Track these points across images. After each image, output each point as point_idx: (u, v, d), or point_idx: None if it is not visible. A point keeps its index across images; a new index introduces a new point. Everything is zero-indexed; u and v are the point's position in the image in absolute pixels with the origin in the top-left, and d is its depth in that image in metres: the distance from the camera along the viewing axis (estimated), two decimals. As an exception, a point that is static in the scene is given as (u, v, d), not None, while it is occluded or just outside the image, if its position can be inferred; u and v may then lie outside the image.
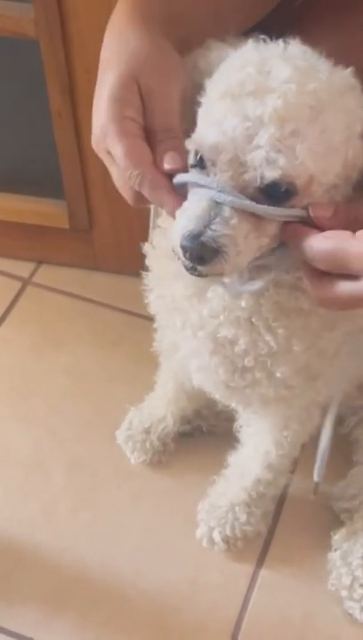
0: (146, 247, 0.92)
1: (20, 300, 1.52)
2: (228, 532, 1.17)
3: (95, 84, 1.18)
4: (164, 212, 0.83)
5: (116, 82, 0.72)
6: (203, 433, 1.31)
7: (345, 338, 0.86)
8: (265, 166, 0.64)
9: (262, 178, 0.64)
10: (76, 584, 1.18)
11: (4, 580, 1.18)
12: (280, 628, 1.15)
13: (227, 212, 0.65)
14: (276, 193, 0.65)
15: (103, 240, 1.49)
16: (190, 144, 0.70)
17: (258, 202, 0.66)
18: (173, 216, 0.69)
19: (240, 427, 1.08)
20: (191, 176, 0.69)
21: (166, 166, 0.69)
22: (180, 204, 0.68)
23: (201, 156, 0.68)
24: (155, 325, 1.01)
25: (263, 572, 1.19)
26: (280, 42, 0.68)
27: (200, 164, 0.68)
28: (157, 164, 0.70)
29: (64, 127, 1.26)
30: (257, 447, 1.08)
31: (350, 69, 0.68)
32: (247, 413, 1.03)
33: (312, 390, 0.91)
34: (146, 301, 0.96)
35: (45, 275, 1.56)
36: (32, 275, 1.56)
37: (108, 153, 0.73)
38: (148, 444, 1.27)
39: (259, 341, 0.82)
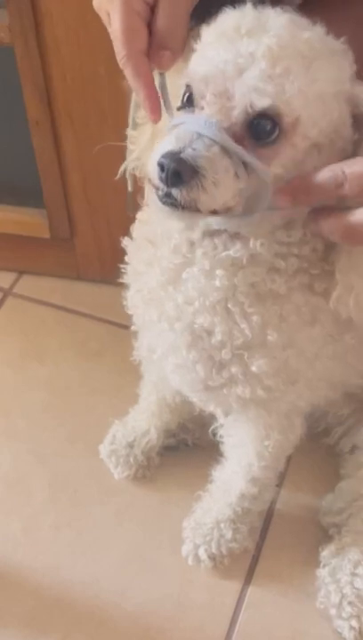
0: (125, 241, 0.92)
1: (0, 311, 1.49)
2: (214, 549, 1.14)
3: (73, 91, 1.18)
4: (144, 204, 0.87)
5: None
6: (188, 446, 1.29)
7: (327, 339, 0.85)
8: (254, 95, 0.65)
9: (250, 107, 0.65)
10: (58, 605, 1.14)
11: (-17, 601, 1.15)
12: (269, 647, 1.13)
13: (209, 140, 0.65)
14: (261, 131, 0.66)
15: (85, 249, 1.46)
16: (182, 81, 0.71)
17: (243, 142, 0.66)
18: (148, 111, 0.71)
19: (221, 437, 1.06)
20: (179, 118, 0.68)
21: (156, 61, 0.71)
22: (153, 99, 0.70)
23: (189, 96, 0.69)
24: (133, 328, 0.99)
25: (251, 590, 1.16)
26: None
27: (188, 104, 0.69)
28: (148, 54, 0.71)
29: (42, 135, 1.24)
30: (240, 460, 1.05)
31: (342, 39, 0.70)
32: (228, 421, 1.01)
33: (292, 394, 0.89)
34: (124, 302, 0.95)
35: (26, 285, 1.54)
36: (13, 285, 1.53)
37: (108, 15, 0.72)
38: (131, 459, 1.24)
39: (235, 330, 0.81)
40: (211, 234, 0.77)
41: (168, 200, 0.67)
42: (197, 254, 0.79)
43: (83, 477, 1.27)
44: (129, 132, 0.87)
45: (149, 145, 0.85)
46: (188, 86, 0.70)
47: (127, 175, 0.90)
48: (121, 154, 1.21)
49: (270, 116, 0.66)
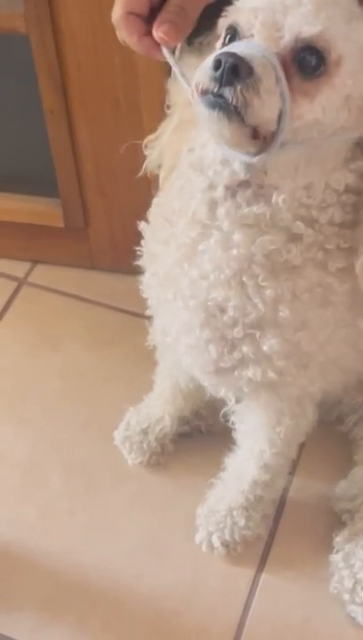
0: (141, 225, 0.93)
1: (15, 301, 1.51)
2: (227, 536, 1.15)
3: (87, 80, 1.18)
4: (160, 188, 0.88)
5: None
6: (202, 433, 1.29)
7: (339, 323, 0.85)
8: (304, 25, 0.66)
9: (300, 36, 0.66)
10: (74, 589, 1.16)
11: (-1, 585, 1.16)
12: (282, 632, 1.13)
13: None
14: (307, 65, 0.67)
15: (99, 238, 1.47)
16: (223, 22, 0.72)
17: (289, 72, 0.67)
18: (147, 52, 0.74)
19: (233, 424, 1.07)
20: (228, 47, 0.68)
21: (156, 33, 0.72)
22: (149, 46, 0.73)
23: (231, 37, 0.70)
24: (147, 312, 1.00)
25: (264, 576, 1.17)
26: None
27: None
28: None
29: (57, 124, 1.25)
30: (252, 447, 1.06)
31: None
32: (240, 408, 1.02)
33: (304, 379, 0.90)
34: (140, 286, 0.96)
35: (41, 274, 1.54)
36: (27, 275, 1.54)
37: None
38: (145, 446, 1.25)
39: (248, 305, 0.81)
40: (233, 191, 0.77)
41: (218, 101, 0.66)
42: (219, 214, 0.79)
43: (97, 463, 1.28)
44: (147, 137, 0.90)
45: (172, 137, 0.86)
46: (229, 27, 0.71)
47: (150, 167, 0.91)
48: (134, 146, 1.22)
49: (316, 50, 0.67)
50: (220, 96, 0.65)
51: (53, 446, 1.31)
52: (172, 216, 0.86)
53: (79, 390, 1.38)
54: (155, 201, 0.92)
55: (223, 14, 0.74)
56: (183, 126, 0.85)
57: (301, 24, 0.67)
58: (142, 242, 0.94)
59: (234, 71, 0.64)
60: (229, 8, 0.73)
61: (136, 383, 1.33)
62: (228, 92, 0.65)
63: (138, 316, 1.38)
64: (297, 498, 1.24)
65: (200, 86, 0.67)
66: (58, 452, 1.30)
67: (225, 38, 0.72)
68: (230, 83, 0.65)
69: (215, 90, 0.65)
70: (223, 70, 0.64)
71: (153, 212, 0.92)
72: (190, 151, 0.82)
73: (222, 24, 0.74)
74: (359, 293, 0.82)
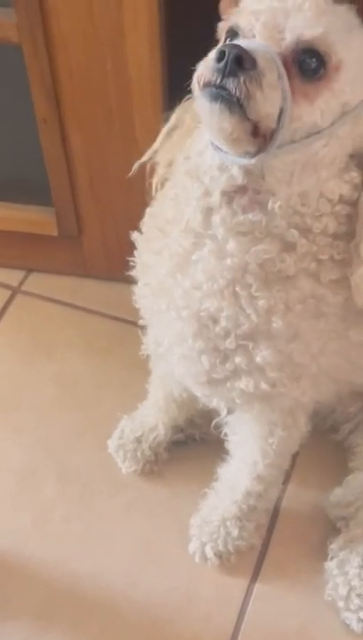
0: (134, 235, 0.93)
1: (9, 309, 1.51)
2: (220, 547, 1.15)
3: (80, 88, 1.19)
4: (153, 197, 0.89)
5: None
6: (196, 441, 1.29)
7: (331, 334, 0.86)
8: (306, 28, 0.68)
9: (301, 37, 0.68)
10: (68, 597, 1.16)
11: (-6, 593, 1.16)
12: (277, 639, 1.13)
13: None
14: (307, 68, 0.68)
15: (92, 246, 1.47)
16: (223, 26, 0.74)
17: (290, 72, 0.68)
18: None
19: (226, 435, 1.07)
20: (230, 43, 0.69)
21: None
22: None
23: (231, 39, 0.70)
24: (140, 322, 1.00)
25: (259, 585, 1.17)
26: None
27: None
28: None
29: (50, 133, 1.25)
30: (245, 458, 1.06)
31: None
32: (232, 419, 1.02)
33: (296, 390, 0.90)
34: (133, 297, 0.96)
35: (35, 283, 1.54)
36: (21, 283, 1.54)
37: None
38: (139, 454, 1.25)
39: (240, 315, 0.81)
40: (230, 198, 0.77)
41: (220, 92, 0.66)
42: (214, 221, 0.79)
43: (92, 471, 1.28)
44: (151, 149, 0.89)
45: (166, 145, 0.86)
46: (229, 30, 0.72)
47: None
48: (128, 153, 1.23)
49: (317, 52, 0.68)
50: (222, 88, 0.66)
51: (48, 454, 1.31)
52: (165, 226, 0.86)
53: (74, 398, 1.38)
54: (148, 211, 0.92)
55: (223, 18, 0.75)
56: (176, 135, 0.85)
57: (303, 26, 0.68)
58: (135, 252, 0.94)
59: (238, 62, 0.65)
60: (232, 11, 0.74)
61: (130, 391, 1.33)
62: (231, 83, 0.65)
63: (132, 323, 1.37)
64: (291, 506, 1.24)
65: (202, 79, 0.68)
66: (53, 460, 1.30)
67: (225, 41, 0.72)
68: (234, 74, 0.65)
69: (218, 81, 0.66)
70: (227, 61, 0.65)
71: (146, 223, 0.92)
72: (186, 159, 0.82)
73: (222, 27, 0.75)
74: (352, 305, 0.83)
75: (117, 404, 1.34)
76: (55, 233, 1.43)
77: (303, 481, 1.26)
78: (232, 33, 0.72)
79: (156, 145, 0.88)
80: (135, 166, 0.89)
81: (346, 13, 0.73)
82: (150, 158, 0.89)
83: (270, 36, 0.68)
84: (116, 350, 1.44)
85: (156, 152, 0.88)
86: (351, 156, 0.77)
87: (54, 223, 1.42)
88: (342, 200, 0.78)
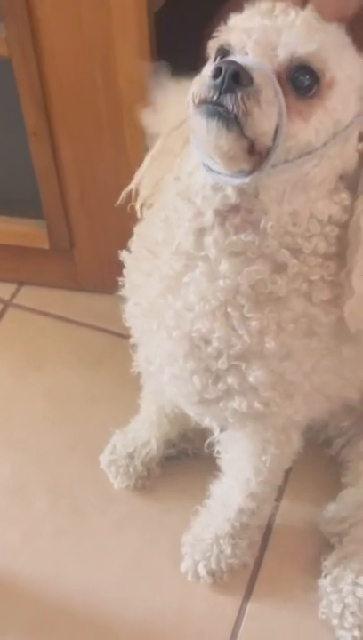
0: (123, 254, 0.92)
1: (1, 323, 1.50)
2: (213, 565, 1.13)
3: (70, 101, 1.18)
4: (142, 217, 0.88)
5: None
6: (189, 456, 1.28)
7: (324, 352, 0.85)
8: (300, 44, 0.68)
9: (294, 54, 0.67)
10: (59, 614, 1.14)
11: (-17, 611, 1.14)
12: (271, 658, 1.12)
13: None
14: (300, 85, 0.68)
15: (84, 259, 1.47)
16: (213, 44, 0.73)
17: (284, 89, 0.67)
18: None
19: (218, 453, 1.06)
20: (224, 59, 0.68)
21: None
22: None
23: (222, 57, 0.69)
24: (131, 340, 0.99)
25: (252, 602, 1.15)
26: None
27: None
28: None
29: (40, 146, 1.25)
30: (237, 475, 1.05)
31: None
32: (224, 436, 1.01)
33: (289, 408, 0.89)
34: (123, 315, 0.95)
35: (27, 296, 1.54)
36: (13, 296, 1.54)
37: None
38: (131, 469, 1.24)
39: (232, 336, 0.81)
40: (223, 217, 0.77)
41: (217, 109, 0.65)
42: (206, 242, 0.78)
43: (83, 486, 1.27)
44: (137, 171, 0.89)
45: (151, 166, 0.86)
46: (220, 48, 0.72)
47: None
48: (118, 165, 1.22)
49: (310, 69, 0.68)
50: (219, 104, 0.65)
51: (39, 468, 1.29)
52: (155, 247, 0.86)
53: (65, 412, 1.37)
54: (136, 230, 0.91)
55: (214, 35, 0.75)
56: (162, 156, 0.84)
57: (296, 43, 0.68)
58: (124, 271, 0.93)
59: (235, 79, 0.64)
60: (220, 29, 0.74)
61: (123, 405, 1.32)
62: (229, 100, 0.65)
63: (124, 337, 1.34)
64: (284, 522, 1.23)
65: (197, 96, 0.67)
66: (43, 475, 1.29)
67: (215, 59, 0.72)
68: (231, 90, 0.65)
69: (215, 98, 0.65)
70: (224, 77, 0.64)
71: (135, 242, 0.91)
72: (177, 180, 0.81)
73: (212, 45, 0.74)
74: (344, 324, 0.82)
75: (109, 417, 1.33)
76: (47, 246, 1.43)
77: (297, 496, 1.25)
78: (223, 51, 0.72)
79: (142, 170, 0.87)
80: (123, 194, 0.89)
81: (336, 32, 0.73)
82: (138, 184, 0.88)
83: (264, 53, 0.68)
84: (108, 363, 1.43)
85: (143, 177, 0.87)
86: (341, 177, 0.77)
87: (46, 236, 1.41)
88: (331, 221, 0.78)
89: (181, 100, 0.81)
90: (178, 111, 0.82)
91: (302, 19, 0.71)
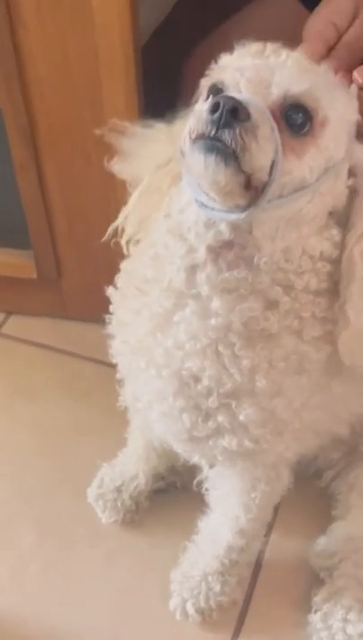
0: (109, 290, 0.91)
1: (-12, 353, 1.49)
2: (202, 603, 1.12)
3: (57, 135, 1.18)
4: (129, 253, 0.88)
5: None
6: (177, 489, 1.27)
7: (314, 388, 0.85)
8: (293, 83, 0.68)
9: (287, 92, 0.68)
10: (46, 654, 1.13)
11: (-33, 651, 1.13)
12: None
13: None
14: (293, 123, 0.69)
15: (72, 288, 1.46)
16: (205, 82, 0.74)
17: (279, 125, 0.68)
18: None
19: (206, 490, 1.04)
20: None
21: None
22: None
23: (214, 96, 0.69)
24: (117, 375, 0.98)
25: (241, 639, 1.14)
26: None
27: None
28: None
29: (28, 179, 1.24)
30: (226, 512, 1.04)
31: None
32: (213, 473, 1.00)
33: (280, 445, 0.88)
34: (110, 350, 0.94)
35: (15, 326, 1.53)
36: (1, 326, 1.53)
37: None
38: (119, 504, 1.22)
39: (223, 375, 0.80)
40: (216, 254, 0.76)
41: (215, 144, 0.65)
42: (199, 279, 0.78)
43: (71, 521, 1.25)
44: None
45: (138, 204, 0.85)
46: (212, 87, 0.72)
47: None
48: (106, 198, 1.22)
49: (304, 108, 0.69)
50: (217, 139, 0.65)
51: (26, 502, 1.28)
52: (144, 285, 0.85)
53: (53, 444, 1.35)
54: (123, 266, 0.91)
55: (206, 74, 0.75)
56: (149, 194, 0.84)
57: (289, 82, 0.68)
58: (111, 308, 0.92)
59: (233, 114, 0.65)
60: (212, 68, 0.74)
61: (111, 437, 1.30)
62: (227, 135, 0.65)
63: (113, 366, 1.33)
64: (274, 556, 1.21)
65: (194, 132, 0.67)
66: (30, 509, 1.27)
67: (208, 97, 0.72)
68: (230, 125, 0.65)
69: (213, 133, 0.65)
70: (222, 112, 0.64)
71: (122, 278, 0.90)
72: (167, 217, 0.81)
73: (204, 84, 0.74)
74: (334, 359, 0.82)
75: (98, 450, 1.31)
76: (34, 276, 1.42)
77: (287, 529, 1.24)
78: (216, 89, 0.72)
79: (128, 208, 0.87)
80: (109, 230, 0.88)
81: (326, 72, 0.74)
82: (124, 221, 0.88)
83: (257, 91, 0.68)
84: (97, 394, 1.42)
85: (129, 214, 0.87)
86: (331, 214, 0.77)
87: (33, 266, 1.41)
88: (322, 257, 0.78)
89: (163, 139, 0.82)
90: (163, 150, 0.82)
91: (294, 59, 0.72)
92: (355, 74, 0.77)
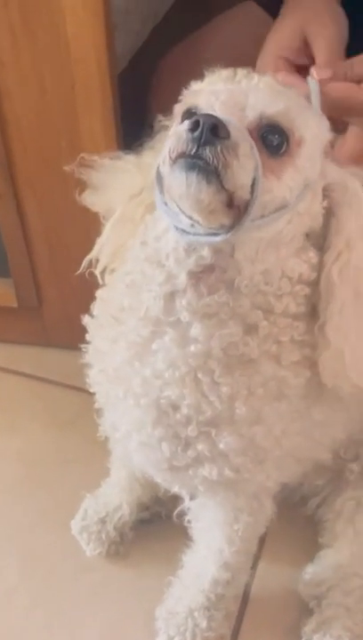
0: (85, 319, 0.90)
1: (-31, 383, 1.47)
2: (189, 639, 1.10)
3: (35, 164, 1.17)
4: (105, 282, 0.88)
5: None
6: (162, 519, 1.25)
7: (294, 415, 0.84)
8: (267, 103, 0.69)
9: (263, 113, 0.69)
10: None
11: None
12: None
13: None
14: (269, 144, 0.69)
15: (53, 316, 1.45)
16: (179, 108, 0.74)
17: (257, 145, 0.68)
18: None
19: (188, 522, 1.03)
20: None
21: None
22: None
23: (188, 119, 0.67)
24: (96, 405, 0.97)
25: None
26: None
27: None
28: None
29: (6, 208, 1.23)
30: (209, 545, 1.02)
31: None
32: (195, 505, 0.98)
33: (261, 474, 0.87)
34: (87, 380, 0.93)
35: (-4, 354, 1.51)
36: (-19, 355, 1.51)
37: None
38: (103, 535, 1.21)
39: (203, 403, 0.79)
40: (197, 279, 0.75)
41: (196, 162, 0.65)
42: (178, 305, 0.77)
43: (55, 554, 1.23)
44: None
45: (111, 234, 0.85)
46: (187, 111, 0.72)
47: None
48: (87, 226, 1.20)
49: (279, 128, 0.69)
50: (198, 157, 0.65)
51: (9, 535, 1.26)
52: (120, 314, 0.84)
53: (37, 475, 1.33)
54: (99, 294, 0.90)
55: (179, 99, 0.75)
56: (122, 224, 0.83)
57: (264, 103, 0.69)
58: (87, 336, 0.91)
59: (213, 131, 0.64)
60: (185, 93, 0.75)
61: (95, 466, 1.27)
62: (208, 152, 0.64)
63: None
64: (262, 587, 1.20)
65: (174, 151, 0.66)
66: (14, 542, 1.25)
67: (182, 122, 0.71)
68: (211, 142, 0.64)
69: (193, 151, 0.65)
70: (202, 130, 0.64)
71: (98, 307, 0.89)
72: (143, 244, 0.80)
73: (178, 109, 0.74)
74: (313, 384, 0.81)
75: (82, 479, 1.29)
76: (15, 304, 1.41)
77: (274, 558, 1.22)
78: (190, 114, 0.71)
79: (103, 238, 0.86)
80: (84, 262, 0.87)
81: (296, 95, 0.74)
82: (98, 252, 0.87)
83: (233, 113, 0.68)
84: (80, 423, 1.40)
85: (103, 245, 0.86)
86: (307, 236, 0.77)
87: (13, 295, 1.40)
88: (301, 279, 0.77)
89: (132, 169, 0.81)
90: (133, 181, 0.82)
91: (266, 82, 0.72)
92: (312, 70, 0.80)
